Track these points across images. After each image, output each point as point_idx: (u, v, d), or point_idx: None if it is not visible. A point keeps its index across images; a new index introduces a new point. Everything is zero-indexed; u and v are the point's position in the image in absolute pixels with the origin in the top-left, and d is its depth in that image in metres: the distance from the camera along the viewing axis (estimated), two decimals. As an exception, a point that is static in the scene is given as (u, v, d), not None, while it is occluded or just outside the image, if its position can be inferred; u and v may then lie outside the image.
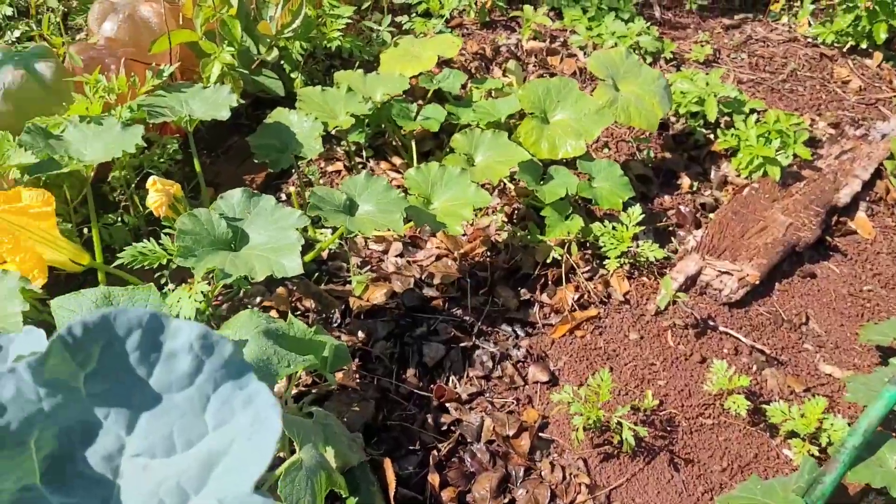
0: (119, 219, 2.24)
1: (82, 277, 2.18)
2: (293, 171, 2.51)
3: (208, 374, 0.71)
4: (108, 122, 2.06)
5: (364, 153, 2.76)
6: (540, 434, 1.99)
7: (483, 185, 2.58)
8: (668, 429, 2.02)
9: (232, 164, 2.68)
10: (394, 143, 2.79)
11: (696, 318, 2.29)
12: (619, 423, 1.91)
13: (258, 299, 2.18)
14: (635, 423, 1.97)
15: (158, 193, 1.88)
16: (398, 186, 2.55)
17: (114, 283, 2.05)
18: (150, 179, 1.90)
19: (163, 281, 2.08)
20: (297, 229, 1.86)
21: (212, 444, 0.70)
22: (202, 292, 1.92)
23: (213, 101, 2.25)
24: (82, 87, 2.19)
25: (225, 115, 2.20)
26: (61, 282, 2.15)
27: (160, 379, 0.70)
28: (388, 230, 1.99)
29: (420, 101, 2.85)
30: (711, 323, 2.30)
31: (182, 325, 0.70)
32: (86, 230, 2.18)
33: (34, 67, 2.19)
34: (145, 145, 2.06)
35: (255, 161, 2.35)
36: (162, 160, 2.34)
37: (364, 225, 1.99)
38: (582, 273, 2.39)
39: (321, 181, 2.63)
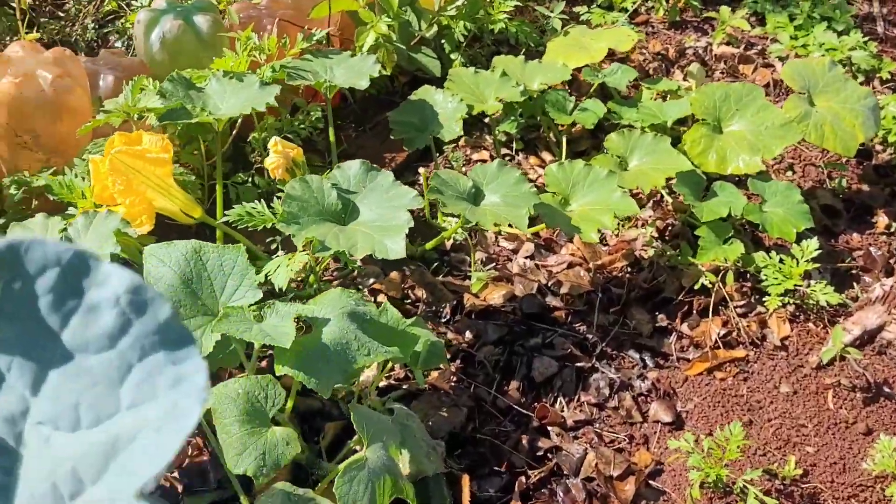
0: (250, 180, 2.21)
1: (208, 233, 2.17)
2: (437, 154, 2.37)
3: (135, 338, 0.56)
4: (248, 80, 2.02)
5: (514, 145, 2.58)
6: (650, 481, 1.72)
7: (635, 195, 2.31)
8: (810, 507, 1.68)
9: (376, 140, 2.59)
10: (547, 138, 2.58)
11: (869, 380, 1.91)
12: (745, 488, 1.61)
13: (371, 281, 2.07)
14: (768, 492, 1.65)
15: (277, 155, 1.81)
16: (542, 185, 2.35)
17: (228, 242, 2.01)
18: (272, 140, 1.83)
19: (273, 246, 2.01)
20: (409, 210, 1.71)
21: (121, 426, 0.55)
22: (310, 265, 1.83)
23: (357, 70, 2.16)
24: (235, 44, 2.17)
25: (364, 83, 2.10)
26: (185, 235, 2.14)
27: (75, 334, 0.56)
28: (511, 226, 1.79)
29: (584, 98, 2.62)
30: (887, 390, 1.90)
31: (114, 271, 0.56)
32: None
33: (193, 20, 2.20)
34: (276, 105, 2.00)
35: (392, 137, 2.24)
36: (303, 126, 2.29)
37: (485, 216, 1.82)
38: (735, 307, 2.07)
39: (463, 169, 2.48)
